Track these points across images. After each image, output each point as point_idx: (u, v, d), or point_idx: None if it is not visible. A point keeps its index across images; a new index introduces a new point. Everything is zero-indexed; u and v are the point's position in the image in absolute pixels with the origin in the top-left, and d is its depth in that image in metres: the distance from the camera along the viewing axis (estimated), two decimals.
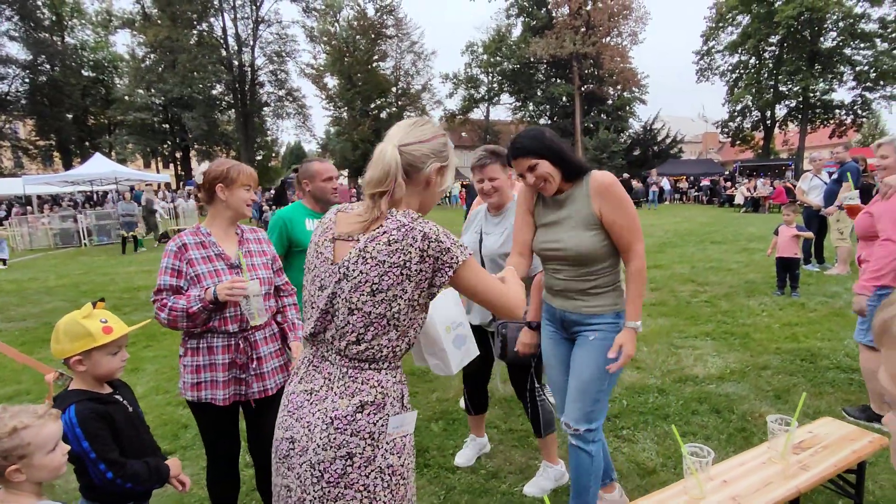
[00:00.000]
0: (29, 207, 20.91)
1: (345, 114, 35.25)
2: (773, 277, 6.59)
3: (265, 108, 38.09)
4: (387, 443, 1.33)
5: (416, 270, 1.30)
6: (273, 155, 51.65)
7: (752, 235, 12.12)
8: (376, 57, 36.05)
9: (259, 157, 43.71)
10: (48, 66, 35.24)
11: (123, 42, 69.15)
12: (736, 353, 4.39)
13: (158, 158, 41.08)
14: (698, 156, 44.06)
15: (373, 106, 35.32)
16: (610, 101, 39.56)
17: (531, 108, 42.20)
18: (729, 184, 25.00)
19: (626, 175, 25.18)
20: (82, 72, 37.25)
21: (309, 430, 1.33)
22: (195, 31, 34.86)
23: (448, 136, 1.51)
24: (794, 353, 4.33)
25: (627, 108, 39.73)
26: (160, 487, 1.79)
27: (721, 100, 37.33)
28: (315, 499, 1.32)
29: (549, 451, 2.67)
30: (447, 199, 28.41)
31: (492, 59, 41.01)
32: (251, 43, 36.44)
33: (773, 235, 6.49)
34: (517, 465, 2.91)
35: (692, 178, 29.16)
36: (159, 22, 33.06)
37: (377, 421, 1.32)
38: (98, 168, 16.45)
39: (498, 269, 2.48)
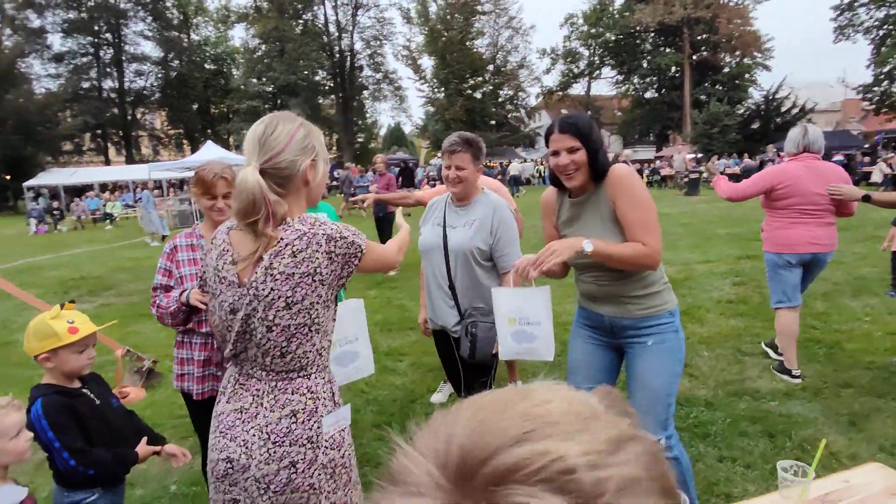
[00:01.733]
0: (157, 191, 23.54)
1: (440, 94, 35.41)
2: (889, 275, 5.59)
3: (364, 92, 39.45)
4: (325, 441, 1.38)
5: (327, 273, 1.32)
6: (373, 137, 53.52)
7: (884, 221, 10.41)
8: (471, 35, 35.65)
9: (360, 140, 45.48)
10: (177, 62, 39.17)
11: (239, 35, 74.57)
12: (816, 366, 3.79)
13: None
14: (835, 126, 38.74)
15: (466, 86, 35.05)
16: (726, 70, 35.94)
17: (635, 80, 39.59)
18: (867, 159, 21.69)
19: (773, 148, 21.99)
20: (205, 65, 40.97)
21: (247, 449, 1.35)
22: (300, 21, 36.81)
23: (304, 123, 1.40)
24: (892, 370, 3.65)
25: (746, 75, 35.88)
26: (127, 473, 1.89)
27: (865, 61, 32.20)
28: None
29: None
30: (541, 179, 27.56)
31: (592, 31, 38.96)
32: (350, 28, 37.77)
33: (892, 226, 5.49)
34: None
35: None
36: (269, 14, 35.32)
37: (312, 426, 1.36)
38: (208, 154, 17.95)
39: (468, 265, 2.36)
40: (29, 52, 33.83)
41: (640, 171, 22.38)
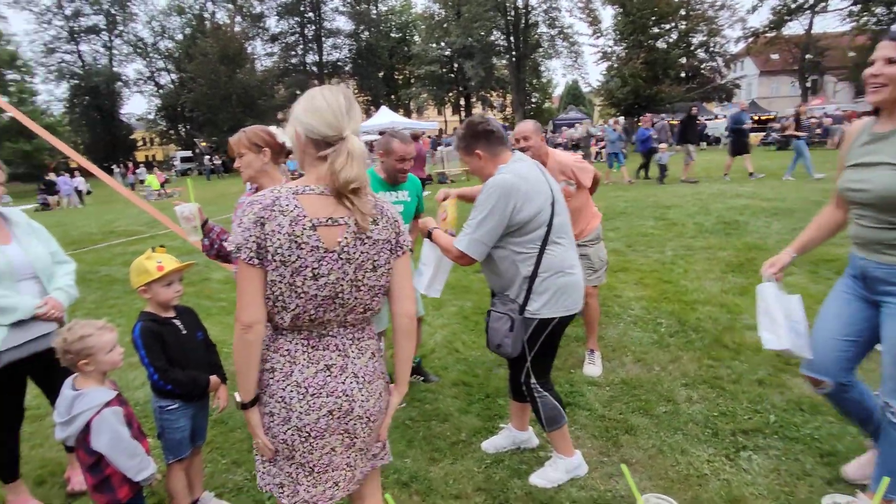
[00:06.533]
0: None
1: (617, 48, 32.67)
2: None
3: (538, 50, 38.33)
4: (383, 373, 1.64)
5: (395, 243, 1.51)
6: (548, 96, 52.08)
7: None
8: None
9: (534, 100, 44.70)
10: (366, 34, 42.55)
11: (422, 2, 77.25)
12: None
13: (448, 106, 46.03)
14: None
15: (646, 36, 31.57)
16: None
17: (877, 11, 31.59)
18: None
19: None
20: (390, 34, 43.81)
21: (347, 396, 1.48)
22: None
23: None
24: None
25: None
26: (201, 393, 2.26)
27: None
28: (366, 435, 1.57)
29: (557, 445, 2.39)
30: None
31: None
32: None
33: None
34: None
35: None
36: None
37: (379, 360, 1.61)
38: (381, 119, 19.56)
39: None
40: (253, 36, 39.83)
41: None
